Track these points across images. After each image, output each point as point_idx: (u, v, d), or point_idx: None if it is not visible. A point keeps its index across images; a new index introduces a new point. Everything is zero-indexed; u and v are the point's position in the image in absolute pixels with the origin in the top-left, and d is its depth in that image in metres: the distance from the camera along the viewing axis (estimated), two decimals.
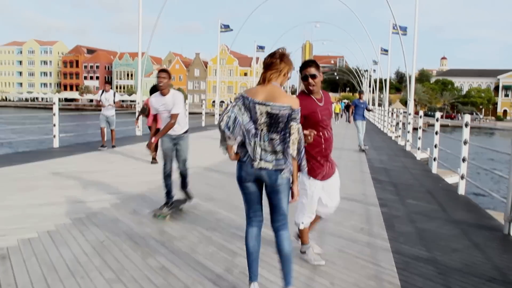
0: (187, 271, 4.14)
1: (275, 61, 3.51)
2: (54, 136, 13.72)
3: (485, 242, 5.50)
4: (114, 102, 13.37)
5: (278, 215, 3.54)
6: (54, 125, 13.64)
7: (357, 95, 17.20)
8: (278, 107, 3.36)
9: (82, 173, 8.95)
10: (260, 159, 3.41)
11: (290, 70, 3.61)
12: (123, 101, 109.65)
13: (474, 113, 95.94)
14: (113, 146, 13.69)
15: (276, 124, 3.39)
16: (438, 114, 11.93)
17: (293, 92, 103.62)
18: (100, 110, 13.27)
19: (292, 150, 3.40)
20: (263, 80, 3.51)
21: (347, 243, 5.13)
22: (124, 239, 5.02)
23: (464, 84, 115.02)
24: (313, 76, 4.11)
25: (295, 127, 3.39)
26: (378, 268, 4.40)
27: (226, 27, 33.97)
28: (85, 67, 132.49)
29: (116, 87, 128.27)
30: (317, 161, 4.24)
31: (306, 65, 4.14)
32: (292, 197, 3.53)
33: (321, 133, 4.17)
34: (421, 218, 6.53)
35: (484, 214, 7.18)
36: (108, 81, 14.38)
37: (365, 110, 16.02)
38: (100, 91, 13.56)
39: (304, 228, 4.47)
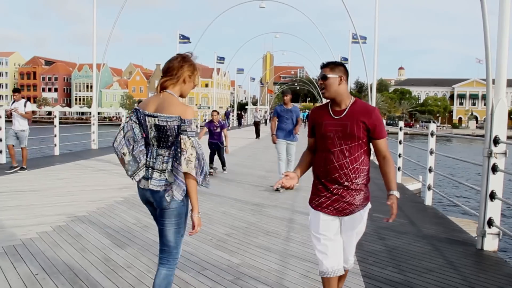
0: None
1: (171, 66, 3.02)
2: (0, 152, 12.81)
3: (459, 259, 5.14)
4: (26, 112, 10.97)
5: (161, 245, 3.09)
6: (0, 140, 12.74)
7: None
8: (165, 118, 2.88)
9: (24, 193, 8.20)
10: (147, 178, 2.95)
11: (194, 76, 3.08)
12: (82, 113, 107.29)
13: (432, 121, 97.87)
14: (22, 168, 10.93)
15: (165, 137, 2.92)
16: (401, 123, 11.72)
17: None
18: (62, 121, 12.11)
19: (188, 168, 2.86)
20: (157, 88, 3.01)
21: (312, 266, 4.65)
22: (63, 270, 4.39)
23: (421, 93, 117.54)
24: (324, 78, 3.24)
25: (186, 141, 2.86)
26: None
27: (185, 39, 33.39)
28: (43, 78, 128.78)
29: (76, 99, 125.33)
30: (316, 183, 3.40)
31: (322, 66, 3.34)
32: (193, 227, 2.99)
33: (326, 152, 3.28)
34: (390, 234, 6.15)
35: (454, 226, 6.87)
36: (17, 89, 11.46)
37: (295, 123, 9.47)
38: (11, 101, 11.22)
39: (324, 278, 3.39)
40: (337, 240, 3.36)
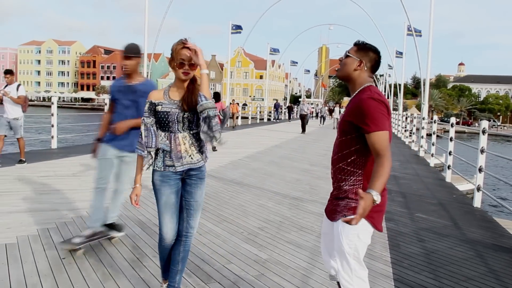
0: None
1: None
2: (52, 137, 13.23)
3: (504, 268, 4.79)
4: (18, 97, 9.43)
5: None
6: (53, 125, 13.15)
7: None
8: None
9: (68, 177, 8.39)
10: None
11: (175, 60, 3.15)
12: None
13: (492, 120, 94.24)
14: (21, 161, 9.67)
15: None
16: (453, 119, 11.20)
17: (308, 96, 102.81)
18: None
19: None
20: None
21: None
22: (89, 256, 4.41)
23: (481, 90, 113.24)
24: (345, 55, 2.89)
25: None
26: None
27: (237, 28, 33.40)
28: (102, 67, 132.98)
29: None
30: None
31: (353, 43, 2.94)
32: None
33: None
34: (431, 236, 5.83)
35: (502, 231, 6.45)
36: (9, 70, 9.52)
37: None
38: (4, 86, 9.74)
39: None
40: (327, 244, 2.97)
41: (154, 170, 3.25)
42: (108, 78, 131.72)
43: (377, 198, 2.44)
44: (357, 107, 2.66)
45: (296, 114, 48.09)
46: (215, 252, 4.69)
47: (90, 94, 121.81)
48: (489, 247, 5.55)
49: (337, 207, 2.80)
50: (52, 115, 12.97)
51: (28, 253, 4.40)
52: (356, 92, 2.79)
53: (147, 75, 19.77)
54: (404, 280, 4.23)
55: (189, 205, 3.27)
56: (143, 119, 3.20)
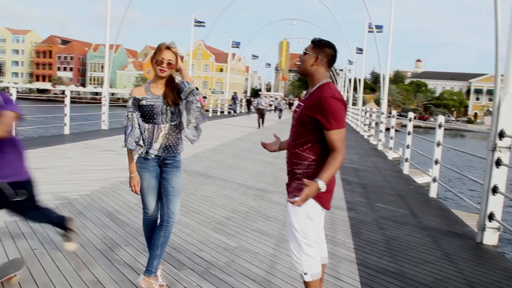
0: (123, 287, 3.62)
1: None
2: None
3: (457, 252, 5.12)
4: None
5: None
6: None
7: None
8: None
9: (33, 170, 8.29)
10: None
11: (156, 57, 3.42)
12: (96, 93, 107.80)
13: (446, 115, 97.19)
14: None
15: None
16: (411, 114, 11.63)
17: (268, 89, 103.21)
18: (76, 101, 11.41)
19: None
20: None
21: None
22: (61, 246, 4.43)
23: (437, 86, 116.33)
24: (303, 52, 3.14)
25: None
26: (340, 284, 3.95)
27: (200, 22, 33.35)
28: (59, 57, 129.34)
29: (90, 80, 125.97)
30: None
31: (311, 40, 3.19)
32: None
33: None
34: (390, 224, 6.13)
35: (456, 219, 6.83)
36: None
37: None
38: None
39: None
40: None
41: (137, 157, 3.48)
42: (65, 69, 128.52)
43: (322, 187, 2.80)
44: (319, 104, 2.90)
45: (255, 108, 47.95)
46: (185, 241, 4.82)
47: (46, 85, 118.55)
48: (444, 234, 5.89)
49: (290, 188, 3.11)
50: None
51: None
52: (316, 87, 3.02)
53: (108, 67, 19.47)
54: (366, 264, 4.48)
55: (167, 191, 3.50)
56: (128, 114, 3.43)
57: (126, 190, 7.02)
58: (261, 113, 24.77)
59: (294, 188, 3.05)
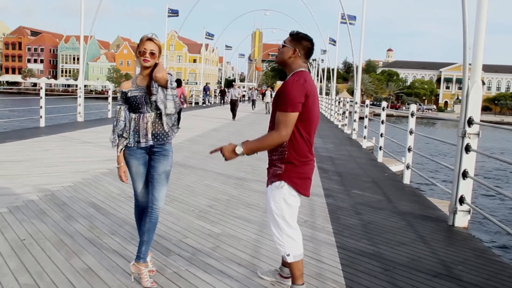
0: (115, 273, 3.74)
1: None
2: None
3: (430, 234, 5.38)
4: None
5: None
6: None
7: None
8: None
9: (10, 163, 8.29)
10: None
11: (139, 48, 3.52)
12: (68, 85, 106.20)
13: (418, 104, 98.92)
14: None
15: None
16: (384, 104, 11.91)
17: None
18: (48, 93, 11.16)
19: None
20: None
21: None
22: (49, 236, 4.54)
23: (408, 75, 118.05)
24: (282, 45, 3.36)
25: None
26: (321, 265, 4.15)
27: (173, 12, 33.14)
28: (29, 49, 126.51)
29: (62, 71, 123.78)
30: None
31: (289, 33, 3.41)
32: None
33: None
34: (367, 210, 6.37)
35: (429, 204, 7.12)
36: None
37: None
38: None
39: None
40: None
41: (125, 147, 3.64)
42: (35, 61, 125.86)
43: (238, 150, 3.17)
44: (281, 89, 3.18)
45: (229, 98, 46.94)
46: (170, 229, 4.96)
47: (16, 78, 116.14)
48: (418, 218, 6.16)
49: (268, 174, 3.37)
50: None
51: None
52: (288, 77, 3.26)
53: (84, 58, 19.27)
54: (346, 246, 4.69)
55: (152, 178, 3.64)
56: (117, 107, 3.61)
57: (108, 181, 7.12)
58: (233, 105, 24.01)
59: (272, 174, 3.31)
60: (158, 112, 3.57)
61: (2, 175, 7.15)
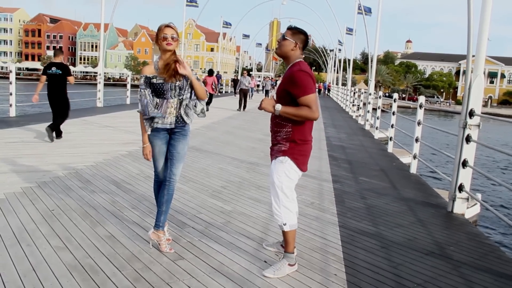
0: (135, 240, 4.16)
1: None
2: (11, 105, 13.37)
3: (429, 219, 5.72)
4: None
5: None
6: (11, 94, 13.28)
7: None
8: None
9: (37, 143, 8.78)
10: None
11: (159, 35, 3.88)
12: (87, 72, 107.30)
13: (436, 96, 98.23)
14: None
15: None
16: (395, 95, 12.17)
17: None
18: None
19: None
20: None
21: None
22: (75, 208, 4.98)
23: (427, 67, 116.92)
24: (282, 38, 3.76)
25: None
26: (323, 241, 4.53)
27: (192, 1, 33.44)
28: (48, 36, 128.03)
29: (80, 59, 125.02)
30: None
31: (287, 28, 3.86)
32: None
33: None
34: (372, 195, 6.71)
35: (432, 192, 7.43)
36: None
37: None
38: None
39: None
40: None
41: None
42: (54, 48, 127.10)
43: (278, 108, 3.56)
44: (290, 78, 3.58)
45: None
46: (185, 205, 5.37)
47: (36, 65, 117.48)
48: (419, 204, 6.50)
49: (273, 151, 3.81)
50: (11, 83, 13.10)
51: (19, 206, 4.92)
52: (289, 66, 3.71)
53: (103, 46, 19.76)
54: (347, 226, 5.06)
55: (172, 155, 4.03)
56: (140, 90, 3.94)
57: (128, 162, 7.56)
58: (244, 94, 22.22)
59: (276, 150, 3.75)
60: (180, 97, 3.93)
61: (30, 154, 7.65)
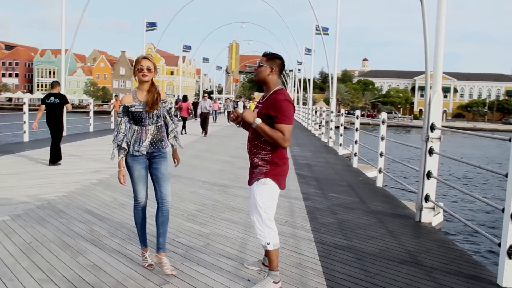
0: (118, 268, 4.21)
1: None
2: None
3: (399, 229, 5.96)
4: None
5: None
6: None
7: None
8: None
9: (3, 175, 8.65)
10: None
11: (136, 67, 4.06)
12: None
13: (393, 112, 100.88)
14: None
15: None
16: (358, 112, 12.58)
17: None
18: (22, 109, 11.67)
19: None
20: None
21: None
22: (52, 239, 4.97)
23: (384, 84, 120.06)
24: (258, 65, 3.95)
25: None
26: (301, 257, 4.68)
27: (152, 25, 33.51)
28: (3, 63, 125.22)
29: (37, 85, 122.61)
30: None
31: (262, 54, 4.03)
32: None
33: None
34: (342, 210, 6.92)
35: (399, 204, 7.72)
36: None
37: None
38: None
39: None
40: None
41: (128, 154, 4.15)
42: (10, 75, 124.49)
43: (257, 121, 3.68)
44: (275, 105, 3.73)
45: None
46: None
47: None
48: (388, 215, 6.75)
49: (253, 174, 3.91)
50: None
51: None
52: (272, 92, 3.86)
53: (64, 72, 19.57)
54: (323, 241, 5.23)
55: (157, 178, 4.19)
56: (118, 120, 4.10)
57: (100, 190, 7.55)
58: (204, 118, 20.94)
59: (257, 173, 3.86)
60: (157, 125, 4.12)
61: None
